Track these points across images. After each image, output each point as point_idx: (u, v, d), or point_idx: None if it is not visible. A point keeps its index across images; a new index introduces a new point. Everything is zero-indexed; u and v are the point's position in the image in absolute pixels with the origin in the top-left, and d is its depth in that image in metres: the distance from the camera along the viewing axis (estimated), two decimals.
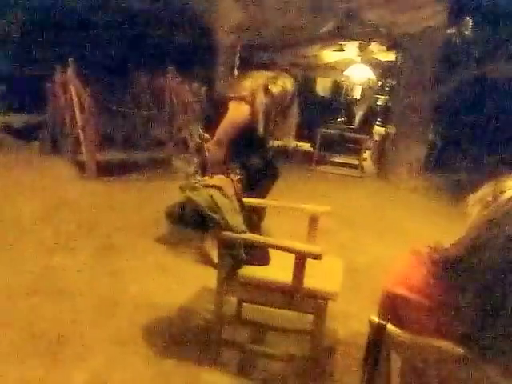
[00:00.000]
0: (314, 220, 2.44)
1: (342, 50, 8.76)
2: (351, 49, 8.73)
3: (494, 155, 6.41)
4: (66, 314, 2.49)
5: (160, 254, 3.36)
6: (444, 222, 4.95)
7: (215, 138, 3.04)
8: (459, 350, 1.31)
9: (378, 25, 6.32)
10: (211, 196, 1.96)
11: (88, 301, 2.64)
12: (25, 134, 6.66)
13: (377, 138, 7.82)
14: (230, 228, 1.95)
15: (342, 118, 9.29)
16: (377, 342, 1.43)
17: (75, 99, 5.67)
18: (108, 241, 3.51)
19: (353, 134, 7.96)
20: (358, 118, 9.57)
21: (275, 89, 3.02)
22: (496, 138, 6.53)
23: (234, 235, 1.97)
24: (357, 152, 7.65)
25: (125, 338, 2.31)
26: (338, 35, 6.99)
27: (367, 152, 7.82)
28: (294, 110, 3.16)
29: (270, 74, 3.12)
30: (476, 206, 1.48)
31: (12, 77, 7.90)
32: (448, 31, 6.50)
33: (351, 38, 7.50)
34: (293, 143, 8.39)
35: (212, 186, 2.03)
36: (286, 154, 7.91)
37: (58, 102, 6.36)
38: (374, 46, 8.43)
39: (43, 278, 2.84)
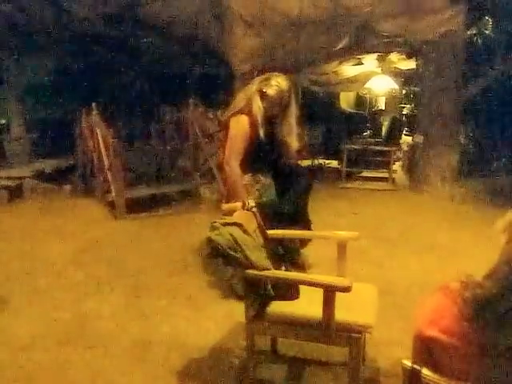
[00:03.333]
0: (342, 246, 2.33)
1: (360, 63, 8.68)
2: (370, 61, 8.63)
3: None
4: (98, 361, 2.46)
5: (190, 291, 3.31)
6: (485, 230, 4.71)
7: (225, 160, 2.97)
8: None
9: (395, 35, 6.22)
10: (231, 234, 1.90)
11: (120, 346, 2.61)
12: (56, 179, 6.87)
13: (405, 148, 7.62)
14: (252, 266, 1.88)
15: (368, 132, 9.12)
16: None
17: (101, 141, 5.82)
18: (138, 281, 3.50)
19: (380, 147, 7.79)
20: (384, 130, 9.38)
21: (270, 90, 2.95)
22: None
23: (257, 273, 1.89)
24: (386, 165, 7.47)
25: None
26: (355, 49, 6.91)
27: (397, 164, 7.62)
28: (294, 108, 3.06)
29: (261, 77, 3.04)
30: (504, 232, 1.35)
31: (43, 124, 8.23)
32: (468, 33, 6.32)
33: (368, 51, 7.41)
34: (320, 162, 8.33)
35: (232, 224, 1.97)
36: (313, 172, 7.83)
37: (86, 145, 6.55)
38: (394, 56, 8.30)
39: (75, 326, 2.84)
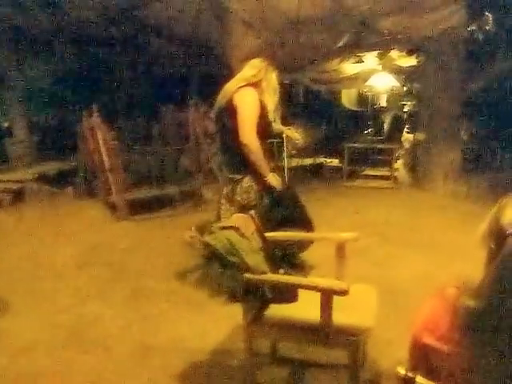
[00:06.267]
0: (341, 247, 2.33)
1: (361, 61, 8.65)
2: (371, 58, 8.60)
3: None
4: (99, 365, 2.47)
5: (191, 294, 3.29)
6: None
7: (241, 138, 2.73)
8: None
9: (395, 32, 6.19)
10: (228, 238, 1.90)
11: (122, 350, 2.62)
12: (59, 181, 6.90)
13: (407, 145, 7.59)
14: (249, 269, 1.88)
15: (370, 130, 9.09)
16: None
17: (102, 143, 5.83)
18: (139, 284, 3.52)
19: (382, 145, 7.76)
20: (386, 127, 9.35)
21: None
22: None
23: (254, 277, 1.89)
24: (388, 163, 7.45)
25: None
26: (355, 47, 6.89)
27: (399, 161, 7.59)
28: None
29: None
30: (487, 237, 1.34)
31: (45, 126, 8.26)
32: (469, 29, 6.28)
33: (369, 49, 7.38)
34: (321, 160, 8.32)
35: (229, 228, 1.97)
36: (315, 171, 7.82)
37: (88, 147, 6.56)
38: (394, 53, 8.26)
39: (77, 329, 2.85)
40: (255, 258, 1.93)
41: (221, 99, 2.94)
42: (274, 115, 2.99)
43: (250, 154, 2.77)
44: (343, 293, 1.76)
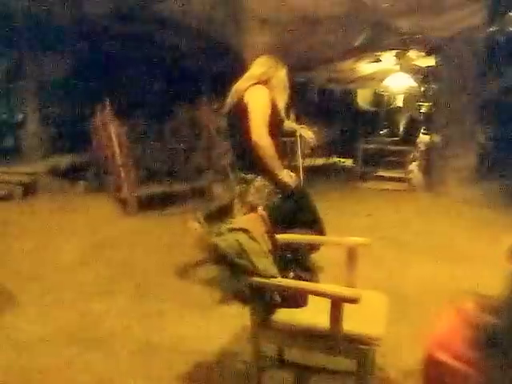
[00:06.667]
0: (352, 252, 2.25)
1: (378, 60, 8.53)
2: (388, 58, 8.47)
3: None
4: (103, 364, 2.43)
5: (196, 293, 3.27)
6: (496, 233, 4.60)
7: (253, 137, 2.69)
8: None
9: (412, 32, 6.07)
10: (237, 240, 1.84)
11: (125, 349, 2.57)
12: (71, 175, 6.90)
13: (422, 147, 7.46)
14: (258, 273, 1.82)
15: (385, 130, 8.96)
16: None
17: (114, 138, 5.81)
18: (145, 281, 3.47)
19: (396, 147, 7.63)
20: (401, 128, 9.21)
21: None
22: None
23: (263, 280, 1.83)
24: (402, 164, 7.32)
25: None
26: (372, 47, 6.77)
27: (413, 163, 7.46)
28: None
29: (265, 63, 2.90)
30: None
31: (58, 119, 8.27)
32: (490, 29, 6.13)
33: (386, 49, 7.26)
34: (335, 160, 8.22)
35: (238, 230, 1.91)
36: (327, 171, 7.73)
37: (100, 142, 6.56)
38: (413, 53, 8.13)
39: (82, 326, 2.82)
40: (265, 262, 1.87)
41: (231, 97, 2.90)
42: (284, 113, 2.95)
43: (262, 152, 2.72)
44: (354, 301, 1.69)
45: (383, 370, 2.37)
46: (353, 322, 1.79)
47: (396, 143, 7.92)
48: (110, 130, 5.93)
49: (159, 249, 4.19)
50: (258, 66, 2.90)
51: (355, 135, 8.62)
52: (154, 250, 4.17)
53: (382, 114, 10.91)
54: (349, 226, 4.64)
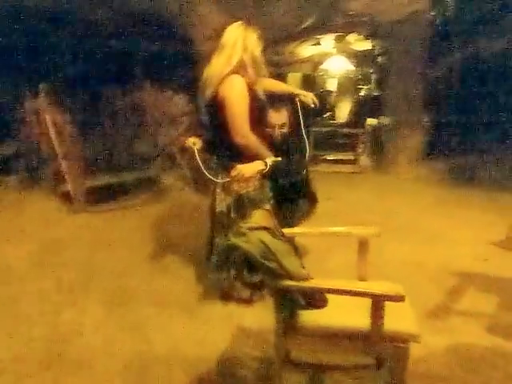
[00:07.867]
0: (363, 244, 2.14)
1: (318, 43, 8.51)
2: (328, 41, 8.48)
3: (492, 134, 6.29)
4: None
5: (179, 295, 3.00)
6: (452, 209, 4.89)
7: (234, 134, 2.53)
8: None
9: (361, 14, 6.07)
10: (262, 241, 1.64)
11: (110, 367, 2.26)
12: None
13: (369, 129, 7.57)
14: (290, 276, 1.63)
15: (327, 114, 8.97)
16: None
17: (51, 127, 5.23)
18: (116, 285, 3.12)
19: (346, 129, 7.68)
20: (341, 112, 9.26)
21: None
22: (494, 117, 6.38)
23: (295, 284, 1.65)
24: (351, 147, 7.39)
25: None
26: (321, 29, 6.71)
27: (362, 145, 7.55)
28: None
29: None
30: None
31: None
32: (432, 13, 6.31)
33: (333, 31, 7.25)
34: None
35: (258, 228, 1.70)
36: None
37: (32, 132, 5.89)
38: (351, 37, 8.19)
39: (55, 345, 2.44)
40: (293, 262, 1.69)
41: (205, 89, 2.65)
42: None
43: (249, 150, 2.58)
44: (400, 299, 1.57)
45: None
46: (388, 320, 1.68)
47: (344, 126, 7.97)
48: (46, 119, 5.32)
49: (122, 247, 3.80)
50: (229, 48, 2.65)
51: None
52: (116, 248, 3.77)
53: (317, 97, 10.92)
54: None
